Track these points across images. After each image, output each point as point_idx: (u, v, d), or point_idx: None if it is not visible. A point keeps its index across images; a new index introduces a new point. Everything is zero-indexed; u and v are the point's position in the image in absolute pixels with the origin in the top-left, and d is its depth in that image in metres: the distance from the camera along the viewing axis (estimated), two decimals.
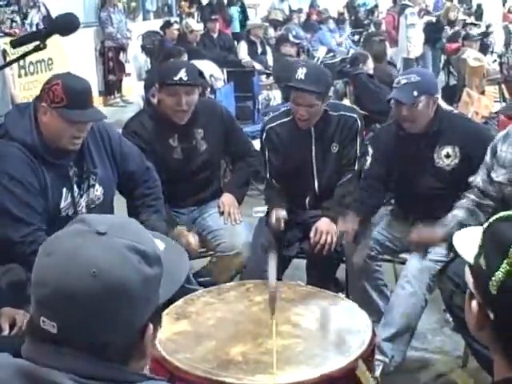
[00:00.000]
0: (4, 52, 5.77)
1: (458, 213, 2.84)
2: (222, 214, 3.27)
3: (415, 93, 2.93)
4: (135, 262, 1.05)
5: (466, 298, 1.21)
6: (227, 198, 3.31)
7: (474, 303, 1.15)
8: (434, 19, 10.84)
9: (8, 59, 4.60)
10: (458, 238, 1.30)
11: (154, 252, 1.10)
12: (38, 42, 1.98)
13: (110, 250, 1.05)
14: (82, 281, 1.02)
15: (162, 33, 9.67)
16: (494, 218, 1.17)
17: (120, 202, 2.93)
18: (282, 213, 3.17)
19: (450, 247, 2.76)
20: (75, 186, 2.60)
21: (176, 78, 3.05)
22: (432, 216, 3.03)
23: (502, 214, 1.17)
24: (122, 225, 1.11)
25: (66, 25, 2.10)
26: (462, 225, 2.75)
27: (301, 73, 3.10)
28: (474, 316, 1.15)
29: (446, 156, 3.01)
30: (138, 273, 1.05)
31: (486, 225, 1.18)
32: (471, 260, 1.18)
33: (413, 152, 3.07)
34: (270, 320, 2.19)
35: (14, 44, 2.07)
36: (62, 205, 2.57)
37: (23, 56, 2.14)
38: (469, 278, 1.19)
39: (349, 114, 3.25)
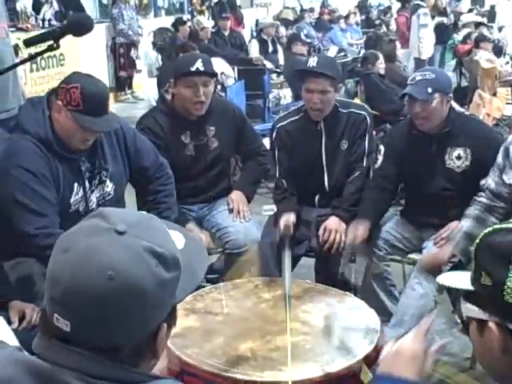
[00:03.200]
0: (16, 46, 5.78)
1: (464, 224, 2.82)
2: (231, 211, 3.26)
3: (429, 89, 2.92)
4: (152, 265, 1.03)
5: (472, 331, 1.18)
6: (236, 196, 3.31)
7: (492, 326, 1.12)
8: (445, 20, 10.81)
9: (20, 54, 4.62)
10: (444, 279, 1.29)
11: (173, 254, 1.07)
12: (51, 42, 1.98)
13: (127, 251, 1.02)
14: (96, 282, 1.00)
15: (173, 30, 9.67)
16: (480, 236, 1.17)
17: (130, 197, 2.94)
18: (291, 217, 3.16)
19: (463, 258, 2.74)
20: (86, 181, 2.60)
21: (193, 69, 3.07)
22: (441, 217, 3.01)
23: (486, 230, 1.17)
24: (143, 223, 1.08)
25: (80, 26, 2.10)
26: (470, 236, 2.74)
27: (312, 61, 3.13)
28: (495, 339, 1.11)
29: (458, 157, 3.00)
30: (155, 277, 1.03)
31: (474, 247, 1.17)
32: (469, 286, 1.17)
33: (424, 152, 3.06)
34: (283, 317, 2.19)
35: (27, 43, 2.07)
36: (72, 199, 2.57)
37: (37, 55, 2.14)
38: (471, 308, 1.16)
39: (358, 112, 3.26)
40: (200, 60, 3.10)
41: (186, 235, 1.21)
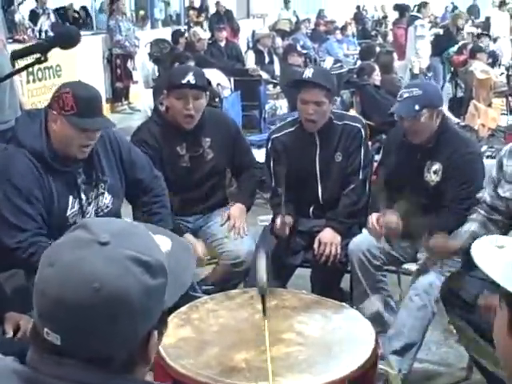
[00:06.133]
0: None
1: (470, 226, 2.84)
2: (228, 225, 3.23)
3: (417, 107, 2.94)
4: (138, 274, 1.03)
5: (502, 330, 1.12)
6: (236, 210, 3.28)
7: None
8: (441, 31, 10.86)
9: (16, 66, 4.63)
10: (481, 260, 1.18)
11: (158, 261, 1.07)
12: (39, 55, 1.99)
13: (112, 262, 1.02)
14: (82, 295, 1.00)
15: (170, 41, 9.70)
16: None
17: (126, 209, 2.94)
18: (288, 219, 3.16)
19: (464, 261, 2.75)
20: (82, 194, 2.61)
21: (184, 81, 3.07)
22: (417, 229, 3.04)
23: None
24: (126, 232, 1.08)
25: (67, 38, 2.12)
26: (475, 238, 2.74)
27: (308, 72, 3.16)
28: None
29: (434, 172, 3.04)
30: (141, 285, 1.03)
31: None
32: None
33: (410, 160, 3.11)
34: (262, 322, 2.19)
35: (15, 56, 2.08)
36: (69, 213, 2.57)
37: (24, 68, 2.16)
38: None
39: (353, 124, 3.26)
40: (192, 73, 3.10)
41: (172, 238, 1.20)
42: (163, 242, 1.16)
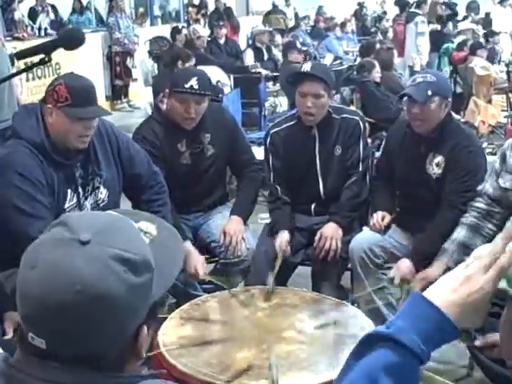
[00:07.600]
0: (12, 56, 5.79)
1: (458, 234, 2.82)
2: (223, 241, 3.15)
3: (429, 92, 2.95)
4: (121, 272, 1.01)
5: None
6: (232, 225, 3.17)
7: None
8: (438, 27, 10.85)
9: (16, 63, 4.65)
10: None
11: (142, 257, 1.05)
12: (42, 55, 1.99)
13: (93, 262, 1.00)
14: (65, 297, 0.98)
15: (169, 39, 9.70)
16: None
17: (125, 205, 2.93)
18: (286, 237, 3.13)
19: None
20: (80, 188, 2.61)
21: (187, 86, 3.05)
22: (430, 222, 3.03)
23: None
24: (109, 228, 1.06)
25: (71, 40, 2.12)
26: (464, 246, 2.75)
27: (306, 66, 3.19)
28: None
29: (436, 165, 3.03)
30: (124, 284, 1.01)
31: None
32: None
33: (412, 153, 3.10)
34: (263, 320, 2.19)
35: (18, 56, 2.09)
36: (66, 205, 2.58)
37: (28, 69, 2.16)
38: None
39: (351, 117, 3.27)
40: (195, 78, 3.07)
41: (158, 224, 1.18)
42: (149, 228, 1.14)
